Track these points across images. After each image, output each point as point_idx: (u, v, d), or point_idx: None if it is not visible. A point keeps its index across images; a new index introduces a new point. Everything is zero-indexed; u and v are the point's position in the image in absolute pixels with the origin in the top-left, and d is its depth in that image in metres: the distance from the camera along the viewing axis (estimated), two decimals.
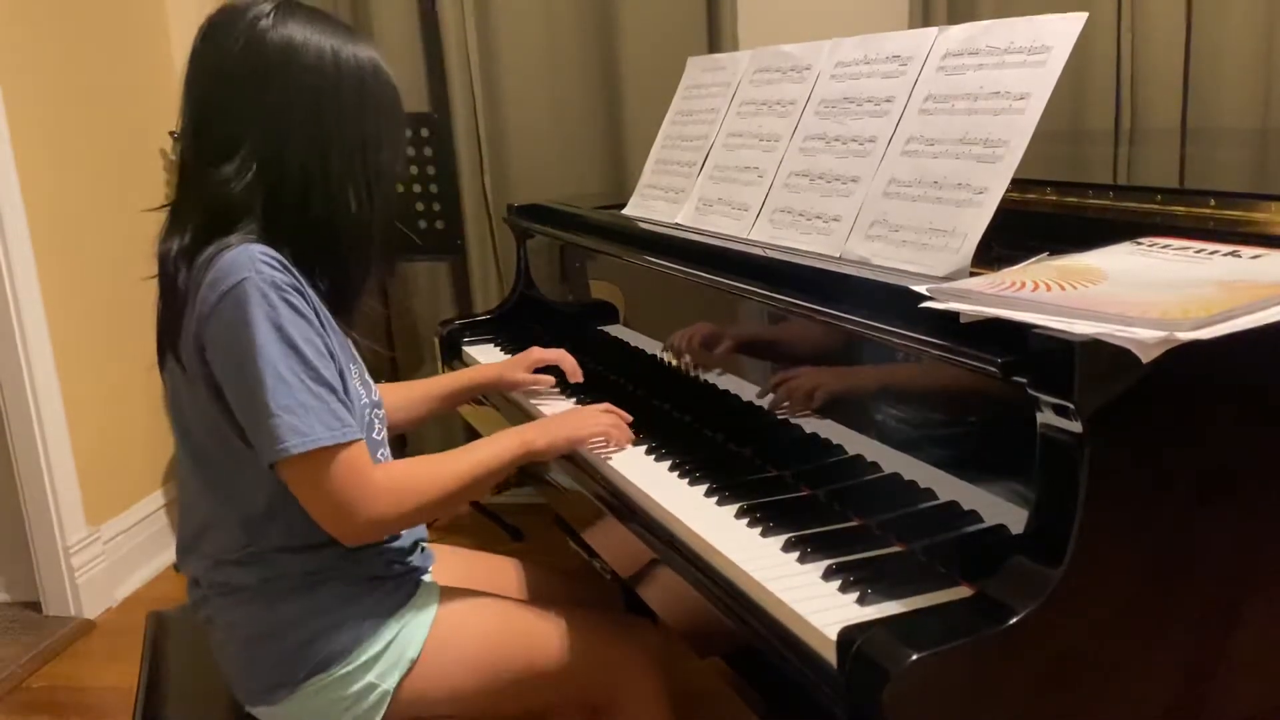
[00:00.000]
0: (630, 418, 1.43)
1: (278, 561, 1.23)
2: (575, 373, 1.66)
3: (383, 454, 1.33)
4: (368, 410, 1.28)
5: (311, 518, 1.17)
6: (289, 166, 1.18)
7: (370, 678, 1.23)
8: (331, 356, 1.18)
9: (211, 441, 1.21)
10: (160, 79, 2.94)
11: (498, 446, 1.31)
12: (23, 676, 2.33)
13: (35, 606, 2.59)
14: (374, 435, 1.29)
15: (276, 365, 1.11)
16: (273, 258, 1.14)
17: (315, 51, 1.18)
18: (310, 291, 1.18)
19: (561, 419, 1.41)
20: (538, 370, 1.67)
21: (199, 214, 1.19)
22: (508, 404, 1.73)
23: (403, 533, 1.32)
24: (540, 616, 1.35)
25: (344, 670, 1.22)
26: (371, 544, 1.26)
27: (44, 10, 2.51)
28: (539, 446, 1.34)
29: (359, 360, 1.32)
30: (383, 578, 1.28)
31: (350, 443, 1.14)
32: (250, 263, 1.12)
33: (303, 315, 1.14)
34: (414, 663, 1.25)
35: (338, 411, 1.14)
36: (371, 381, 1.34)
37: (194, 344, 1.15)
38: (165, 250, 1.19)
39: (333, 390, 1.15)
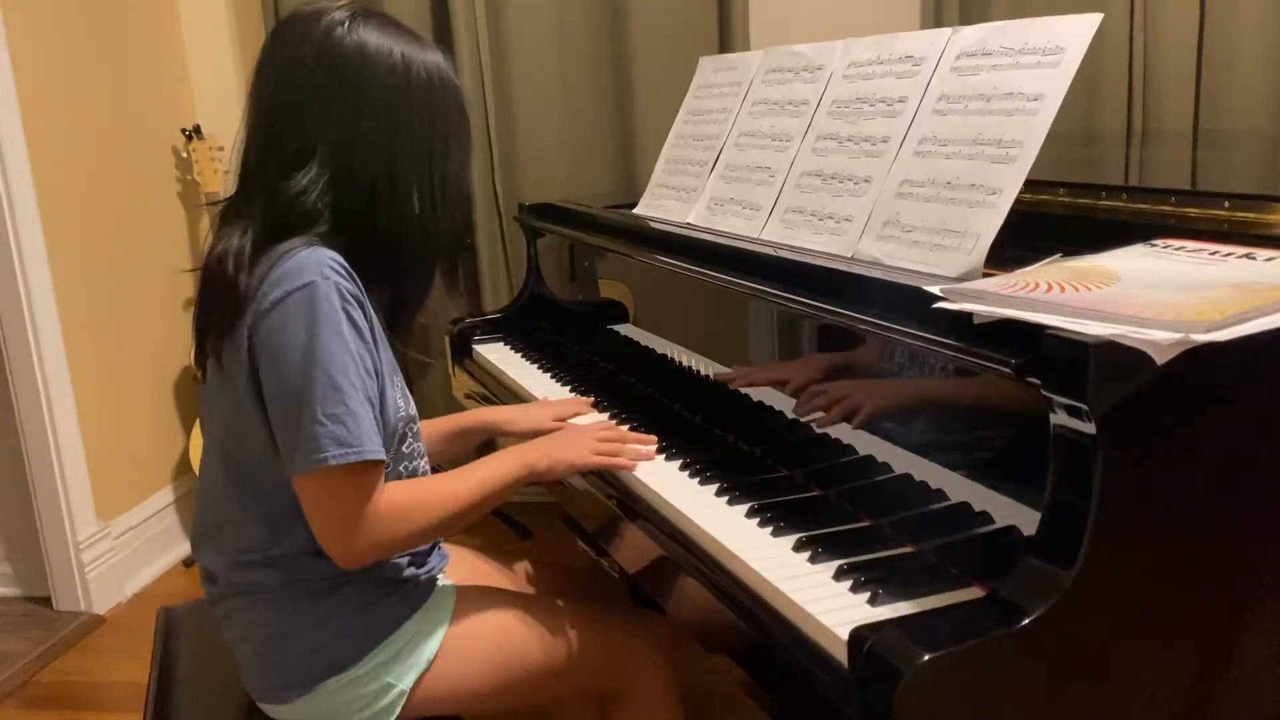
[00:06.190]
0: (654, 442, 1.38)
1: (299, 564, 1.22)
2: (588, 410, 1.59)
3: (411, 466, 1.30)
4: (402, 424, 1.25)
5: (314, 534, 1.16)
6: (359, 174, 1.17)
7: (387, 678, 1.23)
8: (376, 373, 1.17)
9: (243, 441, 1.19)
10: (172, 74, 2.96)
11: (500, 468, 1.28)
12: (33, 671, 2.35)
13: (46, 601, 2.60)
14: (403, 448, 1.27)
15: (331, 372, 1.10)
16: (340, 265, 1.13)
17: (388, 58, 1.18)
18: (368, 303, 1.17)
19: (562, 441, 1.36)
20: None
21: (264, 217, 1.17)
22: None
23: None
24: (552, 610, 1.35)
25: (361, 671, 1.22)
26: None
27: (58, 5, 2.52)
28: (540, 469, 1.31)
29: (400, 372, 1.29)
30: (401, 580, 1.28)
31: (379, 461, 1.13)
32: (319, 266, 1.11)
33: (358, 328, 1.13)
34: (430, 662, 1.25)
35: (376, 427, 1.14)
36: (410, 395, 1.31)
37: (245, 340, 1.14)
38: (223, 250, 1.17)
39: (373, 406, 1.14)
